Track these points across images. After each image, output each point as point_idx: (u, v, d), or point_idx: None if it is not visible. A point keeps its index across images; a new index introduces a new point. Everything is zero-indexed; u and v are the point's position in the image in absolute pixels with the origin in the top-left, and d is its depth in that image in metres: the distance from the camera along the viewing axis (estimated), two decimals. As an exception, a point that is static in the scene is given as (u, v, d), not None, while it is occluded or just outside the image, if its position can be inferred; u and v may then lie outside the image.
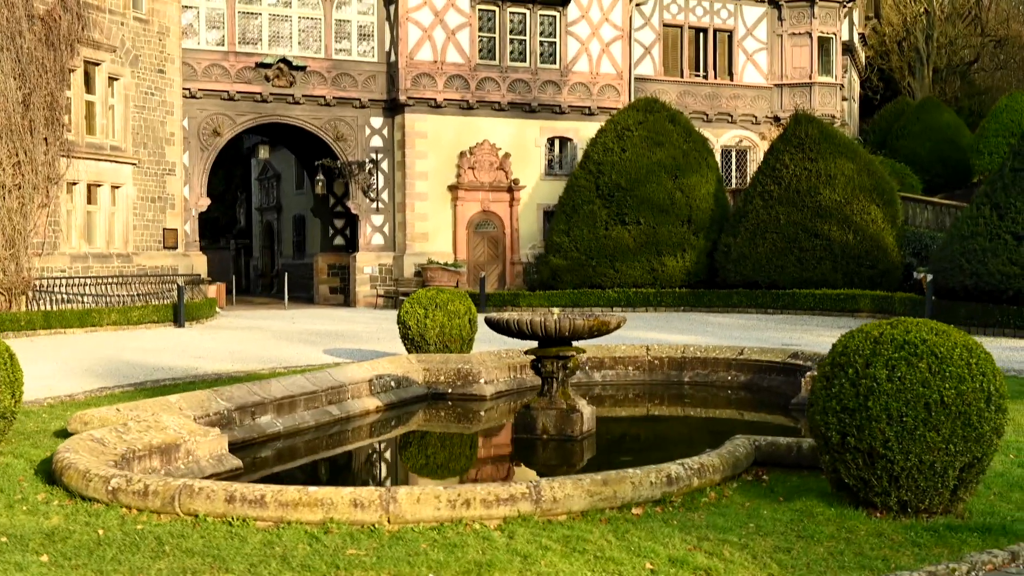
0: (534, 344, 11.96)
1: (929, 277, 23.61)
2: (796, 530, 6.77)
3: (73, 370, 17.04)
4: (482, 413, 14.05)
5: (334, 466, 11.37)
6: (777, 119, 38.14)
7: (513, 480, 9.86)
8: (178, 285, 26.36)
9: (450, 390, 14.75)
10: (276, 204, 45.26)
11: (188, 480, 7.20)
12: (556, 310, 12.10)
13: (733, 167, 39.00)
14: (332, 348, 20.89)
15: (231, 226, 52.14)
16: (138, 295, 27.62)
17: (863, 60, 52.65)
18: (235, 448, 11.14)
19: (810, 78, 38.40)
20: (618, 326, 11.97)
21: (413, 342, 17.05)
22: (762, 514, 7.15)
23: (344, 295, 36.65)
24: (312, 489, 6.87)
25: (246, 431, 11.60)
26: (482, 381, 14.83)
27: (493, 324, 12.08)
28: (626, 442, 12.69)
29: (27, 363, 18.17)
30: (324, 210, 38.48)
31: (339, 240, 38.43)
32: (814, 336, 22.61)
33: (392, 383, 14.25)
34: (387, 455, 12.15)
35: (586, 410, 11.84)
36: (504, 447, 12.25)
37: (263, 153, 38.00)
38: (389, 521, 6.76)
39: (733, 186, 37.73)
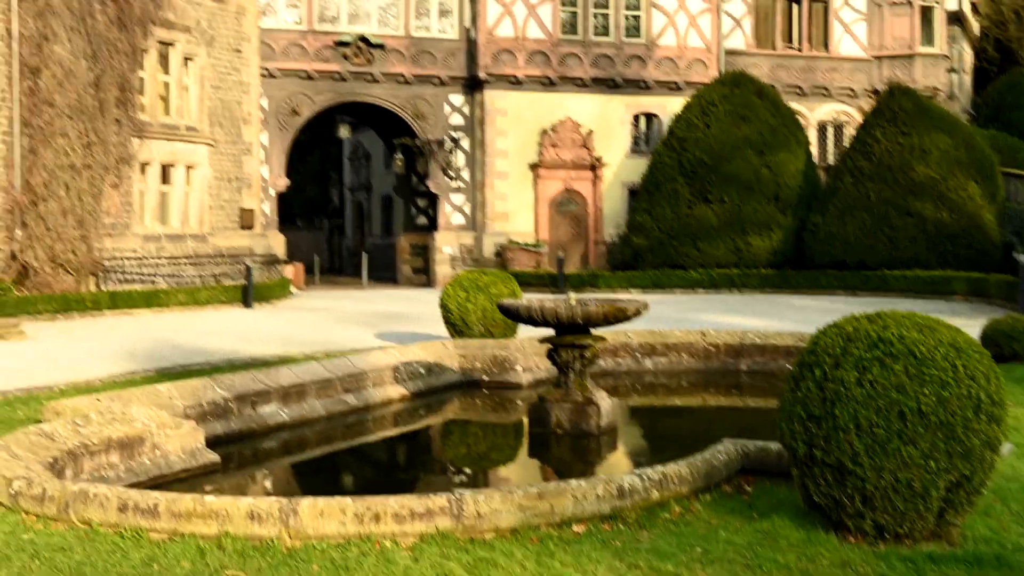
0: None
1: (1022, 258, 22.02)
2: (747, 558, 5.79)
3: (113, 352, 16.77)
4: (519, 402, 13.32)
5: (325, 464, 10.71)
6: (876, 92, 36.22)
7: (477, 488, 9.13)
8: (247, 266, 26.10)
9: (485, 377, 14.10)
10: (366, 183, 45.00)
11: (85, 485, 6.58)
12: (573, 295, 11.30)
13: (830, 143, 37.26)
14: (386, 331, 20.34)
15: (326, 206, 52.19)
16: (212, 276, 27.49)
17: (976, 30, 50.05)
18: (230, 440, 10.61)
19: (911, 49, 36.35)
20: (637, 313, 11.14)
21: (455, 327, 16.41)
22: (719, 536, 6.19)
23: (426, 275, 36.18)
24: (208, 499, 6.19)
25: (244, 421, 11.05)
26: (518, 368, 14.15)
27: (504, 310, 11.37)
28: (648, 439, 11.79)
29: (74, 344, 18.13)
30: (406, 189, 38.02)
31: (422, 220, 37.91)
32: (896, 321, 21.19)
33: (422, 370, 13.60)
34: (383, 450, 11.49)
35: (604, 403, 11.01)
36: (512, 443, 11.48)
37: (344, 132, 37.68)
38: (290, 537, 6.04)
39: (829, 162, 36.10)
